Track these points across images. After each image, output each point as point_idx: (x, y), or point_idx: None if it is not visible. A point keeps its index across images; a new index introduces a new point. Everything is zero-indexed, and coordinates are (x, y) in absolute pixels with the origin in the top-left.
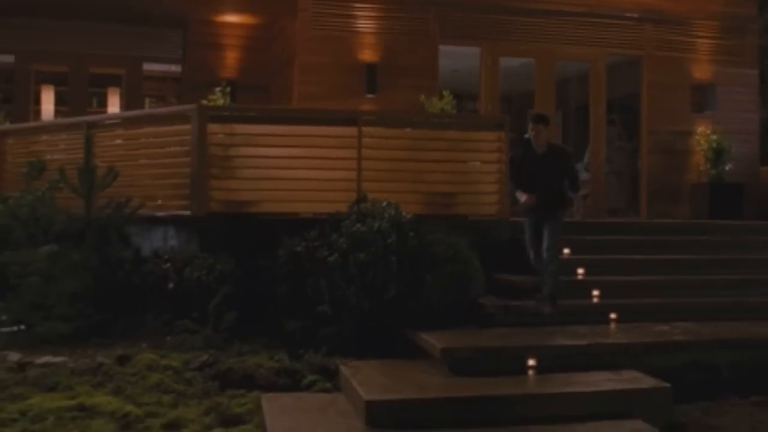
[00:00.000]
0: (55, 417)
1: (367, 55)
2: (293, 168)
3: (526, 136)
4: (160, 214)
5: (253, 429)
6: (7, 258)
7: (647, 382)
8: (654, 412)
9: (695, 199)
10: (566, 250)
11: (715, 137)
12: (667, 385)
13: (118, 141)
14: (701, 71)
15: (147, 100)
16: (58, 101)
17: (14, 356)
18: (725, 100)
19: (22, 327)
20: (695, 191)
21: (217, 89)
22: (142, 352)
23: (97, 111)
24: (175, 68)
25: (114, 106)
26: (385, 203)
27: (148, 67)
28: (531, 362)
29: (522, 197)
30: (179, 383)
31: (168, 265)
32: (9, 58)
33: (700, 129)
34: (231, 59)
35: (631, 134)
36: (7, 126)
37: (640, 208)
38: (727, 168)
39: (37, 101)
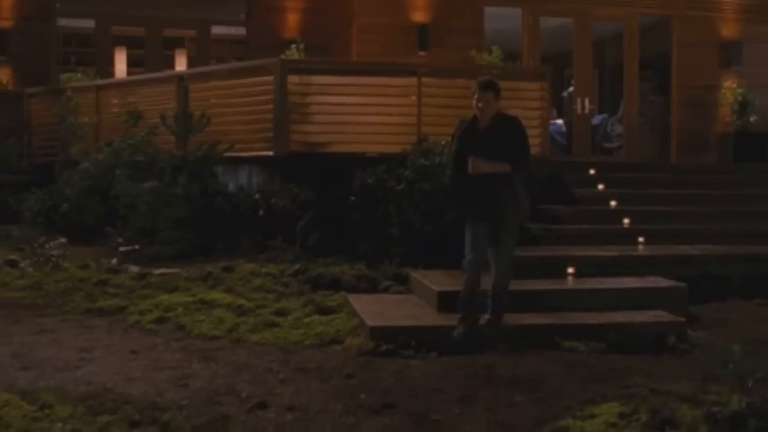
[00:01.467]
0: (182, 308)
1: (419, 15)
2: (361, 114)
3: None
4: (244, 154)
5: (345, 316)
6: (118, 191)
7: (667, 283)
8: (672, 307)
9: (721, 148)
10: (600, 186)
11: (740, 91)
12: (684, 285)
13: (206, 92)
14: (728, 29)
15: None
16: (129, 62)
17: (134, 269)
18: (751, 55)
19: (136, 247)
20: (721, 141)
21: (292, 45)
22: (243, 264)
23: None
24: (235, 31)
25: (181, 66)
26: (443, 142)
27: (214, 30)
28: (570, 270)
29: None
30: (278, 285)
31: (258, 196)
32: (89, 23)
33: (727, 83)
34: (292, 21)
35: (662, 89)
36: (104, 81)
37: (671, 157)
38: (751, 119)
39: (111, 63)
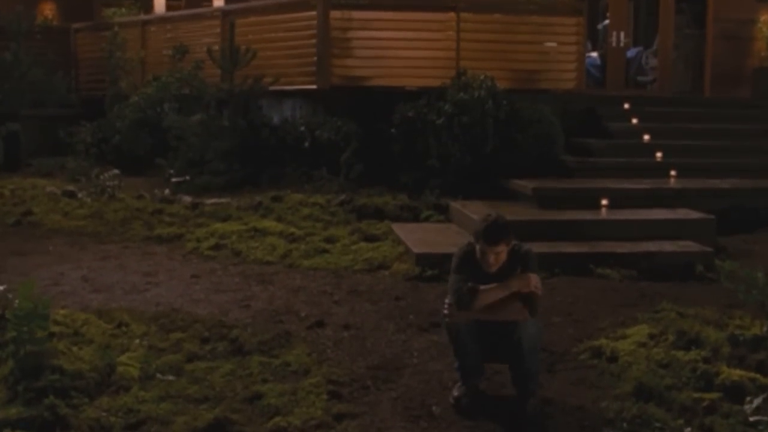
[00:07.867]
0: (237, 235)
1: None
2: (401, 48)
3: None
4: (288, 88)
5: (391, 243)
6: (168, 123)
7: (696, 214)
8: (701, 238)
9: (756, 83)
10: (634, 120)
11: None
12: (712, 216)
13: (250, 27)
14: None
15: None
16: None
17: (187, 199)
18: None
19: (187, 178)
20: (756, 75)
21: None
22: (290, 194)
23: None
24: None
25: (218, 3)
26: (482, 77)
27: None
28: (604, 201)
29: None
30: (325, 215)
31: (303, 128)
32: None
33: (763, 17)
34: None
35: (698, 22)
36: (149, 16)
37: (704, 90)
38: None
39: None
